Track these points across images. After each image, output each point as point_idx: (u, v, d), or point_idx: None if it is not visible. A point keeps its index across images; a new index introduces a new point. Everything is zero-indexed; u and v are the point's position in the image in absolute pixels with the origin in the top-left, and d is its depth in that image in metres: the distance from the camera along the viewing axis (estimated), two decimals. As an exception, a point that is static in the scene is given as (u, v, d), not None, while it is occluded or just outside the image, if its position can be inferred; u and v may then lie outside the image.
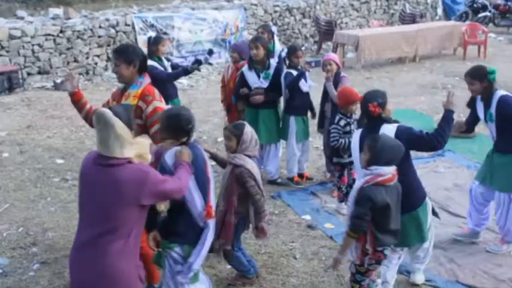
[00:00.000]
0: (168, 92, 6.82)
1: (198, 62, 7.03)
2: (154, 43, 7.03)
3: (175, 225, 3.87)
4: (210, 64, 13.66)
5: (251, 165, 4.54)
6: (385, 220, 4.01)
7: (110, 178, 3.27)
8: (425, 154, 7.63)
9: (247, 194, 4.55)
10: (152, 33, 7.46)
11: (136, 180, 3.28)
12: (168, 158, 3.80)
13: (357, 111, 5.75)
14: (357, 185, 4.12)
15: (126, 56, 4.37)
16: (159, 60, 7.00)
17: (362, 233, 4.02)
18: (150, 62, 6.93)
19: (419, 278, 4.91)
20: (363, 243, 4.07)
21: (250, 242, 5.60)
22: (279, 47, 7.46)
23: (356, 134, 4.64)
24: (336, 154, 6.23)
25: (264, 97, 6.77)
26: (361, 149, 4.31)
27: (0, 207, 6.47)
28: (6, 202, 6.54)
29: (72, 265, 3.40)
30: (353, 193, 4.11)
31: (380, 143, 4.01)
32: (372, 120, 4.46)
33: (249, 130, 4.59)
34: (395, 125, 4.41)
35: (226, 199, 4.59)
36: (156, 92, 4.50)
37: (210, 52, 6.53)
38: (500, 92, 5.12)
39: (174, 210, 3.86)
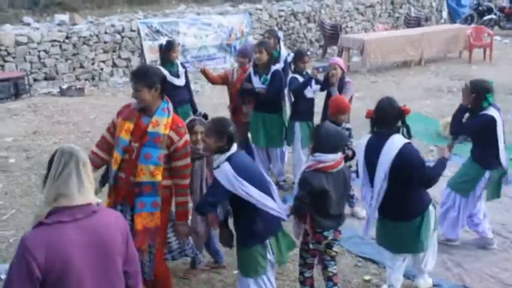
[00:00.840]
0: (179, 97, 6.83)
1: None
2: (166, 49, 7.03)
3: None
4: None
5: None
6: (324, 204, 4.17)
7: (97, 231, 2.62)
8: (431, 159, 7.62)
9: None
10: (163, 39, 7.44)
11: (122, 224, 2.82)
12: (221, 176, 3.90)
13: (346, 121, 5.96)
14: (301, 169, 4.36)
15: (147, 80, 3.99)
16: (171, 66, 6.98)
17: (302, 214, 4.26)
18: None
19: (422, 282, 4.90)
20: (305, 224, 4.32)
21: (256, 247, 5.60)
22: (285, 52, 7.44)
23: (363, 139, 4.61)
24: None
25: (254, 98, 6.86)
26: (367, 157, 4.43)
27: (6, 213, 6.49)
28: (12, 208, 6.56)
29: None
30: (298, 176, 4.37)
31: (323, 130, 4.27)
32: (390, 126, 4.41)
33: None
34: (403, 141, 4.33)
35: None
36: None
37: (205, 116, 6.48)
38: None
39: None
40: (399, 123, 4.45)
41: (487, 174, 5.34)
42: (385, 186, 4.34)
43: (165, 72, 6.78)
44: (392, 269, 4.63)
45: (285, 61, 7.10)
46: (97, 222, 2.61)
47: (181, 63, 7.28)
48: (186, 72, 7.21)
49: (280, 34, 7.65)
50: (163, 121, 4.00)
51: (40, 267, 2.43)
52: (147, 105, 4.04)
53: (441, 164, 4.48)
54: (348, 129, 5.89)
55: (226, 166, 3.88)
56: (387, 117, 4.42)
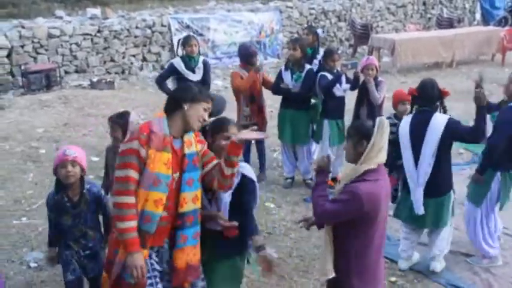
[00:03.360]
0: None
1: None
2: (182, 43, 7.09)
3: None
4: None
5: None
6: None
7: None
8: (461, 161, 7.55)
9: None
10: (182, 35, 7.49)
11: None
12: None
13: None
14: None
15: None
16: (190, 60, 6.99)
17: None
18: (175, 60, 7.15)
19: (438, 265, 5.05)
20: None
21: (282, 245, 5.61)
22: (322, 50, 7.51)
23: (406, 120, 4.84)
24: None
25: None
26: (413, 134, 4.69)
27: (36, 202, 6.59)
28: (42, 197, 6.62)
29: None
30: None
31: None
32: (431, 105, 4.76)
33: (134, 118, 4.45)
34: (447, 116, 4.73)
35: None
36: None
37: None
38: None
39: None
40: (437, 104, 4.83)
41: (498, 177, 5.14)
42: (432, 163, 4.64)
43: (181, 65, 6.89)
44: (406, 245, 5.11)
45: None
46: (386, 181, 3.50)
47: (204, 59, 7.21)
48: (206, 68, 7.09)
49: (320, 31, 7.70)
50: (191, 138, 3.52)
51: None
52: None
53: (481, 115, 4.60)
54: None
55: None
56: (429, 96, 4.77)
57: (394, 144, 6.13)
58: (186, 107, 3.38)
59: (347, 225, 3.38)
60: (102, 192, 4.15)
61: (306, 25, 16.15)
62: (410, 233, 5.14)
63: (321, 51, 7.40)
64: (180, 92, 3.50)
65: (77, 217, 3.97)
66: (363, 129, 3.47)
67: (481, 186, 5.15)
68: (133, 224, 3.28)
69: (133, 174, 3.29)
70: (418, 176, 4.76)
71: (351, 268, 3.43)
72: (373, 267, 3.52)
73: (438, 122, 4.65)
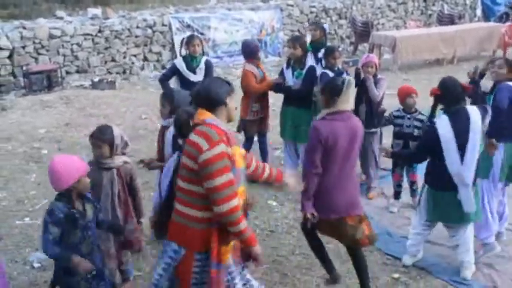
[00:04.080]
0: None
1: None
2: (185, 44, 7.08)
3: None
4: None
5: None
6: None
7: None
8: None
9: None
10: (185, 35, 7.49)
11: None
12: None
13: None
14: None
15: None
16: (191, 60, 6.97)
17: None
18: (177, 60, 7.16)
19: (468, 273, 4.99)
20: None
21: (284, 243, 5.62)
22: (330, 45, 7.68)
23: (443, 122, 4.72)
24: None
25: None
26: (457, 138, 4.65)
27: (39, 203, 6.60)
28: (45, 198, 6.65)
29: None
30: None
31: (175, 94, 4.88)
32: (460, 102, 4.76)
33: (117, 132, 4.28)
34: (474, 107, 4.85)
35: (122, 206, 4.38)
36: None
37: None
38: None
39: None
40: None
41: (502, 149, 5.25)
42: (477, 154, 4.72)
43: (182, 65, 6.89)
44: (417, 239, 5.13)
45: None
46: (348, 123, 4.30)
47: (207, 60, 7.16)
48: (208, 69, 7.03)
49: (326, 26, 7.74)
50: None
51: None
52: None
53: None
54: (421, 120, 6.19)
55: None
56: (455, 94, 4.74)
57: (398, 136, 6.24)
58: (227, 101, 3.50)
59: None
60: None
61: (306, 23, 16.17)
62: (426, 229, 5.13)
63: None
64: (219, 89, 3.50)
65: (85, 229, 3.79)
66: (336, 90, 4.29)
67: (485, 159, 5.19)
68: (245, 221, 3.43)
69: (232, 175, 3.34)
70: (466, 175, 4.69)
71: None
72: (329, 195, 4.35)
73: (475, 114, 4.71)
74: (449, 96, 4.76)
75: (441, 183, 4.80)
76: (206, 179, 3.27)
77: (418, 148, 5.11)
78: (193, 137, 3.36)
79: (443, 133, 4.68)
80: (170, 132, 4.70)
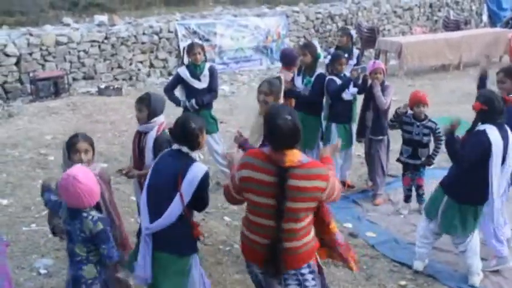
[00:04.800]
0: None
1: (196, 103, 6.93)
2: (187, 53, 7.07)
3: None
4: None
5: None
6: None
7: None
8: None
9: None
10: (187, 42, 7.48)
11: None
12: None
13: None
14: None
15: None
16: (195, 68, 6.94)
17: None
18: (181, 69, 7.09)
19: (477, 279, 4.98)
20: None
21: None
22: (357, 50, 7.76)
23: (494, 132, 4.64)
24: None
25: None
26: (504, 152, 4.65)
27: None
28: (51, 204, 6.66)
29: None
30: None
31: (152, 98, 4.66)
32: (500, 116, 4.70)
33: (100, 167, 4.29)
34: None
35: (114, 209, 4.34)
36: None
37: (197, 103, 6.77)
38: None
39: None
40: None
41: None
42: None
43: (186, 74, 6.89)
44: (425, 243, 5.12)
45: (357, 57, 7.69)
46: None
47: (211, 66, 7.13)
48: (212, 75, 7.01)
49: (353, 32, 7.86)
50: None
51: None
52: None
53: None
54: (430, 128, 6.21)
55: None
56: (500, 109, 4.67)
57: (407, 143, 6.20)
58: None
59: None
60: None
61: (313, 30, 16.21)
62: (436, 237, 5.12)
63: (355, 52, 7.62)
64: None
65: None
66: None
67: None
68: None
69: None
70: (500, 187, 4.79)
71: None
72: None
73: (508, 129, 4.73)
74: (494, 111, 4.66)
75: (473, 195, 4.78)
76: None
77: (466, 151, 4.75)
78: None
79: (495, 142, 4.62)
80: (151, 137, 4.63)
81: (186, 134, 3.79)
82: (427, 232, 5.11)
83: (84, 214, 3.64)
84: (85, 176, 3.62)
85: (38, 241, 5.84)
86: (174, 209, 3.71)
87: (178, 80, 7.03)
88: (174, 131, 3.87)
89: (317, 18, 16.57)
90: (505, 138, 4.66)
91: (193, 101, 6.88)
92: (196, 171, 3.73)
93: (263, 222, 3.41)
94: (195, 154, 3.92)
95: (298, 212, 3.34)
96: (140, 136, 4.80)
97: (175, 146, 3.88)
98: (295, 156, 3.31)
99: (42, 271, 5.25)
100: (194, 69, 6.92)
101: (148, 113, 4.68)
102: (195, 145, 3.84)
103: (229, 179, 3.65)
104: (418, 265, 5.19)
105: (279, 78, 4.95)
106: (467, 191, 4.77)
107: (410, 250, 5.41)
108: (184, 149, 3.82)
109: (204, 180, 3.76)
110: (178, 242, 3.80)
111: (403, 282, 5.05)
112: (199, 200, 3.82)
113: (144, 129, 4.74)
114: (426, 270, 5.19)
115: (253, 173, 3.34)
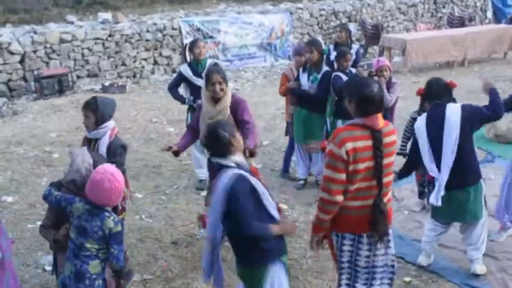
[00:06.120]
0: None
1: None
2: (189, 49, 7.06)
3: None
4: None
5: None
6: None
7: None
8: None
9: None
10: (189, 39, 7.45)
11: None
12: None
13: None
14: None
15: None
16: (197, 65, 6.91)
17: None
18: (183, 67, 7.07)
19: (479, 268, 4.97)
20: None
21: (295, 246, 5.60)
22: (356, 45, 7.71)
23: (420, 120, 4.87)
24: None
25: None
26: (431, 130, 4.75)
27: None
28: (56, 201, 6.68)
29: None
30: None
31: (99, 102, 4.46)
32: (439, 101, 4.82)
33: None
34: (459, 104, 4.81)
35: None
36: None
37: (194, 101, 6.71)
38: None
39: None
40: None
41: None
42: (456, 151, 4.67)
43: (188, 71, 6.87)
44: (431, 237, 5.09)
45: (357, 53, 7.65)
46: None
47: (213, 62, 7.11)
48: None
49: (352, 28, 7.85)
50: None
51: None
52: None
53: (493, 92, 4.88)
54: None
55: None
56: (436, 90, 4.91)
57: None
58: None
59: None
60: None
61: (317, 26, 16.18)
62: (439, 225, 5.11)
63: (354, 47, 7.65)
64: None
65: None
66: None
67: None
68: None
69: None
70: (441, 169, 4.76)
71: None
72: None
73: (453, 110, 4.72)
74: (431, 92, 4.97)
75: (452, 181, 4.78)
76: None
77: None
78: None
79: (418, 130, 4.89)
80: (103, 144, 4.45)
81: (218, 144, 3.64)
82: (435, 227, 5.10)
83: (107, 213, 3.65)
84: (120, 175, 3.66)
85: (43, 238, 5.84)
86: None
87: (181, 78, 7.02)
88: (206, 143, 3.79)
89: (321, 15, 16.55)
90: (434, 120, 4.78)
91: (199, 101, 6.86)
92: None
93: (366, 185, 3.70)
94: (235, 159, 3.67)
95: (390, 167, 3.78)
96: (90, 143, 4.56)
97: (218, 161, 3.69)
98: (381, 118, 3.73)
99: (48, 268, 5.26)
100: (196, 67, 6.89)
101: (95, 119, 4.45)
102: (230, 150, 3.64)
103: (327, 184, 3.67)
104: (423, 260, 5.18)
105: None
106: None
107: (415, 246, 5.40)
108: (222, 161, 3.64)
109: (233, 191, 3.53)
110: None
111: (407, 279, 5.04)
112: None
113: (94, 135, 4.52)
114: (431, 266, 5.19)
115: (356, 143, 3.60)
